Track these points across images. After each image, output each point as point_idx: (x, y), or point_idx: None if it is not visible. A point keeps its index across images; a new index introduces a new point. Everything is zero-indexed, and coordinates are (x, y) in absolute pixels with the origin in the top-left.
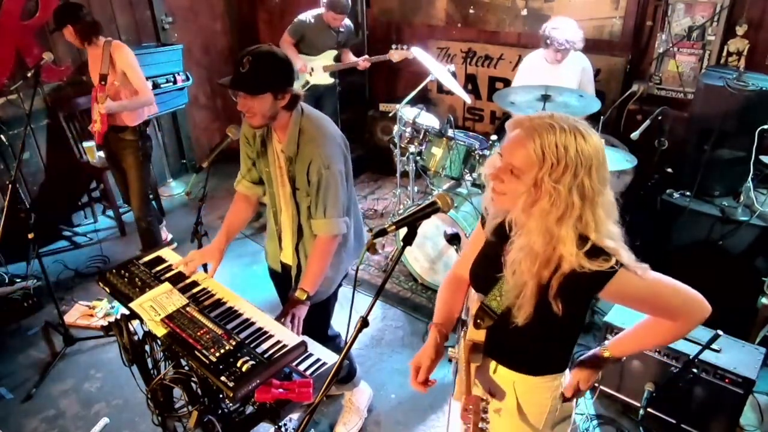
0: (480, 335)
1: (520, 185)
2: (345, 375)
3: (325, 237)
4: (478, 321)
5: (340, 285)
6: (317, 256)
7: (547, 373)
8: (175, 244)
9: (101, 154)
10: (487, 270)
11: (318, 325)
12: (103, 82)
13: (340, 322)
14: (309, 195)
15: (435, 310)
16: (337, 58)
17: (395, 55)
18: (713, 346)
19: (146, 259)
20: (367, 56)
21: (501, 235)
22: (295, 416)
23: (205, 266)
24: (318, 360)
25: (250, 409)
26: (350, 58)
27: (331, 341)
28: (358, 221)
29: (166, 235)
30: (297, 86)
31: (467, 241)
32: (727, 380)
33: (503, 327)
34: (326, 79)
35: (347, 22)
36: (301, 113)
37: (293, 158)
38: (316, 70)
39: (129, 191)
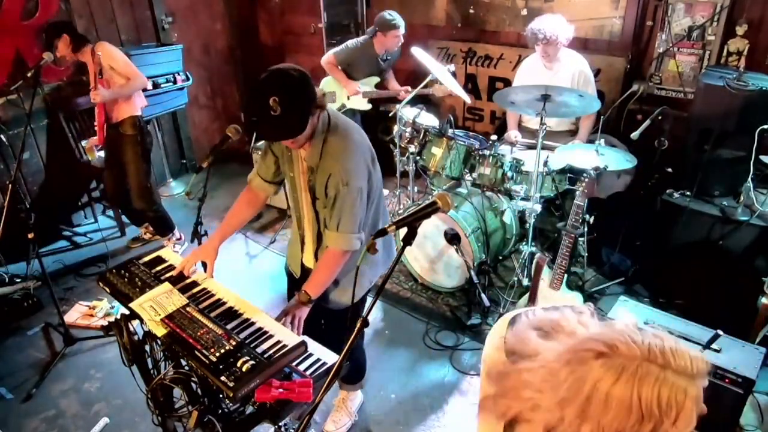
0: None
1: None
2: (355, 375)
3: (334, 250)
4: None
5: (364, 298)
6: (323, 266)
7: None
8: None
9: (101, 154)
10: None
11: (337, 336)
12: (101, 76)
13: None
14: (326, 207)
15: None
16: (379, 85)
17: (438, 90)
18: (713, 345)
19: (146, 259)
20: (408, 87)
21: None
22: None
23: (204, 265)
24: (318, 360)
25: (250, 409)
26: (393, 84)
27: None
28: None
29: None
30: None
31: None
32: (727, 380)
33: None
34: (363, 105)
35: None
36: (327, 123)
37: (314, 168)
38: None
39: (129, 186)
